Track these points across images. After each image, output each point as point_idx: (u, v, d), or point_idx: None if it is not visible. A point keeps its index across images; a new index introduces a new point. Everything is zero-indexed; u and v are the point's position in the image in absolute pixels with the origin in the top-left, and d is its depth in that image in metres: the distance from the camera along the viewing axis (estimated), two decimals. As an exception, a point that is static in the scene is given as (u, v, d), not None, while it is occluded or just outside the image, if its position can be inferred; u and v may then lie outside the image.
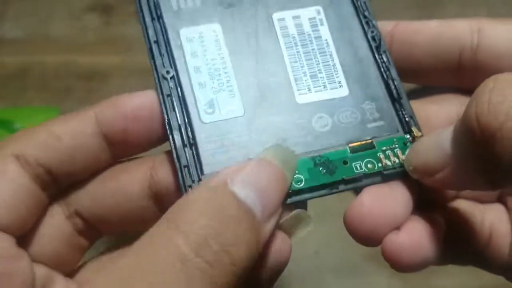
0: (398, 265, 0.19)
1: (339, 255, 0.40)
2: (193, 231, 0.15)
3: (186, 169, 0.19)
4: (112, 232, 0.23)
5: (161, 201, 0.21)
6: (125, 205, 0.21)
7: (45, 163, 0.20)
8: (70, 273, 0.22)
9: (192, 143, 0.19)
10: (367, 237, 0.19)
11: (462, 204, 0.22)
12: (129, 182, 0.21)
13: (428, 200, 0.21)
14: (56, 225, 0.21)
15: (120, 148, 0.21)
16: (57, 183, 0.21)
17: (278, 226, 0.18)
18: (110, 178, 0.21)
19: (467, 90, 0.21)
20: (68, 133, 0.20)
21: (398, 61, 0.21)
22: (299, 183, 0.18)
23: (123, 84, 0.50)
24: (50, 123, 0.21)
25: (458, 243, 0.21)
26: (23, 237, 0.20)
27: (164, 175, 0.20)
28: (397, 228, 0.19)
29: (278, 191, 0.18)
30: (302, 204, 0.19)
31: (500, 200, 0.23)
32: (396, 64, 0.21)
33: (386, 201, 0.19)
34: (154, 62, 0.20)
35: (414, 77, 0.23)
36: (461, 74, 0.22)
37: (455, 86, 0.23)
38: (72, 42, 0.53)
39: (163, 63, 0.20)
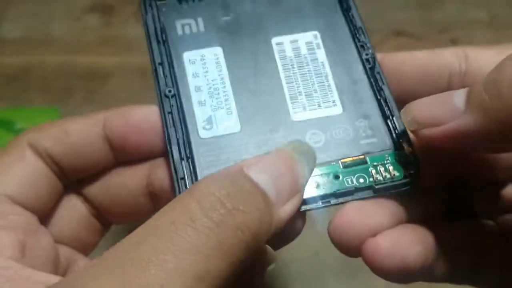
0: (375, 266, 0.20)
1: (339, 256, 0.40)
2: (204, 196, 0.16)
3: (182, 180, 0.20)
4: (118, 222, 0.25)
5: (157, 200, 0.23)
6: (124, 199, 0.23)
7: (52, 153, 0.22)
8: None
9: (189, 157, 0.21)
10: (349, 247, 0.20)
11: None
12: (129, 178, 0.23)
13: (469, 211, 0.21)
14: (72, 208, 0.23)
15: (121, 154, 0.23)
16: (65, 175, 0.23)
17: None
18: (114, 173, 0.23)
19: None
20: (76, 130, 0.22)
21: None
22: None
23: (123, 84, 0.50)
24: (64, 120, 0.23)
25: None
26: (44, 217, 0.22)
27: (160, 177, 0.22)
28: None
29: (294, 179, 0.18)
30: (300, 215, 0.20)
31: None
32: None
33: (369, 212, 0.19)
34: (158, 82, 0.21)
35: (404, 103, 0.23)
36: None
37: None
38: (72, 43, 0.53)
39: (166, 82, 0.21)
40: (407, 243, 0.19)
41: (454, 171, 0.21)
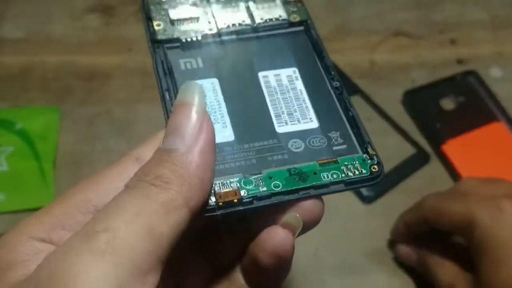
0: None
1: (339, 254, 0.40)
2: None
3: None
4: None
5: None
6: None
7: None
8: None
9: None
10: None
11: None
12: (121, 170, 0.23)
13: None
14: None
15: None
16: None
17: (282, 224, 0.22)
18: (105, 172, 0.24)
19: None
20: None
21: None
22: (277, 188, 0.23)
23: (123, 84, 0.50)
24: None
25: None
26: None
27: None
28: None
29: (188, 119, 0.21)
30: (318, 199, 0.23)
31: None
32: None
33: None
34: (165, 104, 0.24)
35: None
36: None
37: None
38: (72, 43, 0.53)
39: (171, 103, 0.24)
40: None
41: None
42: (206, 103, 0.22)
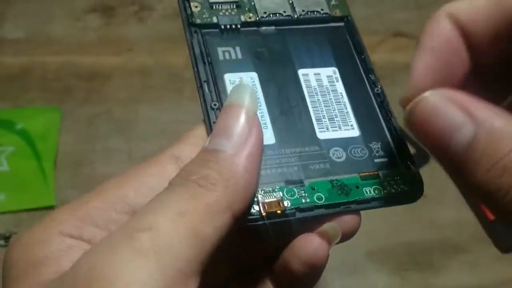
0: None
1: (339, 253, 0.40)
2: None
3: None
4: None
5: None
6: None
7: None
8: None
9: None
10: None
11: None
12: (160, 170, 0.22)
13: None
14: None
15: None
16: None
17: (318, 232, 0.22)
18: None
19: None
20: None
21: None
22: (320, 200, 0.22)
23: (123, 85, 0.50)
24: None
25: None
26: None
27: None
28: None
29: (237, 121, 0.20)
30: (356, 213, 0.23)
31: None
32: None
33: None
34: (204, 96, 0.23)
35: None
36: None
37: None
38: (73, 43, 0.53)
39: (211, 97, 0.23)
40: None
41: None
42: (257, 107, 0.21)
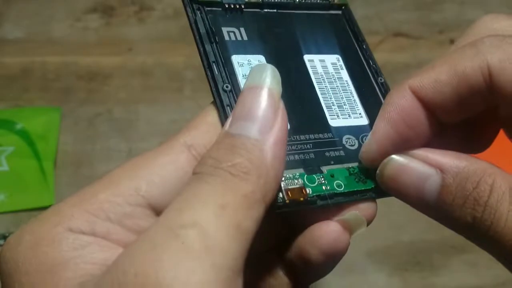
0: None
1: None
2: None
3: None
4: None
5: None
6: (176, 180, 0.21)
7: None
8: None
9: None
10: None
11: None
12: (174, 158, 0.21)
13: None
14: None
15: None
16: None
17: (339, 221, 0.21)
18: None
19: None
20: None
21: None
22: (339, 188, 0.22)
23: (123, 85, 0.50)
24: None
25: None
26: None
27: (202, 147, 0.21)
28: None
29: (262, 103, 0.19)
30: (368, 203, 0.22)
31: None
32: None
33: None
34: (213, 78, 0.22)
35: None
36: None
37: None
38: (73, 43, 0.53)
39: (222, 79, 0.22)
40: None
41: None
42: (281, 88, 0.20)
